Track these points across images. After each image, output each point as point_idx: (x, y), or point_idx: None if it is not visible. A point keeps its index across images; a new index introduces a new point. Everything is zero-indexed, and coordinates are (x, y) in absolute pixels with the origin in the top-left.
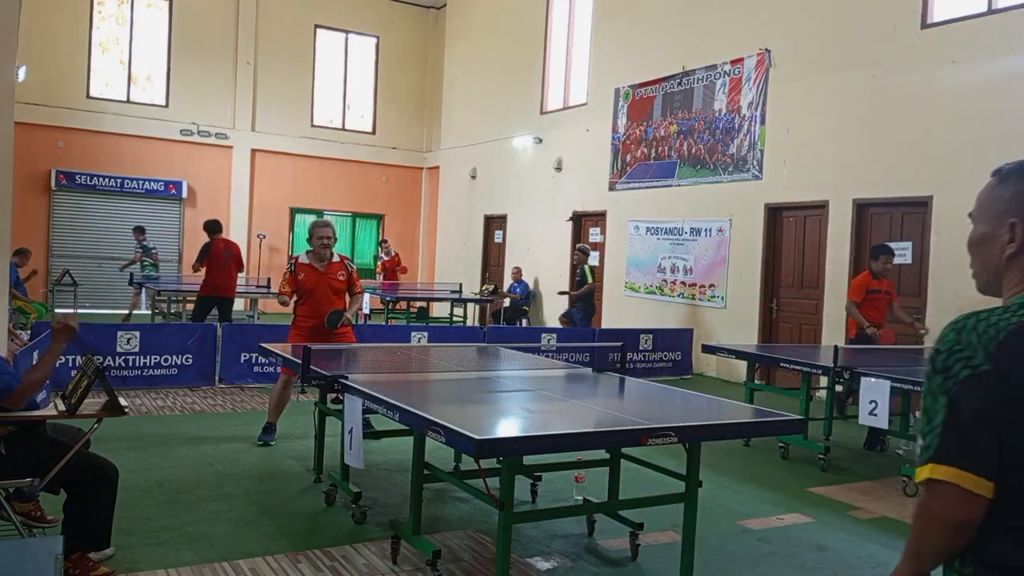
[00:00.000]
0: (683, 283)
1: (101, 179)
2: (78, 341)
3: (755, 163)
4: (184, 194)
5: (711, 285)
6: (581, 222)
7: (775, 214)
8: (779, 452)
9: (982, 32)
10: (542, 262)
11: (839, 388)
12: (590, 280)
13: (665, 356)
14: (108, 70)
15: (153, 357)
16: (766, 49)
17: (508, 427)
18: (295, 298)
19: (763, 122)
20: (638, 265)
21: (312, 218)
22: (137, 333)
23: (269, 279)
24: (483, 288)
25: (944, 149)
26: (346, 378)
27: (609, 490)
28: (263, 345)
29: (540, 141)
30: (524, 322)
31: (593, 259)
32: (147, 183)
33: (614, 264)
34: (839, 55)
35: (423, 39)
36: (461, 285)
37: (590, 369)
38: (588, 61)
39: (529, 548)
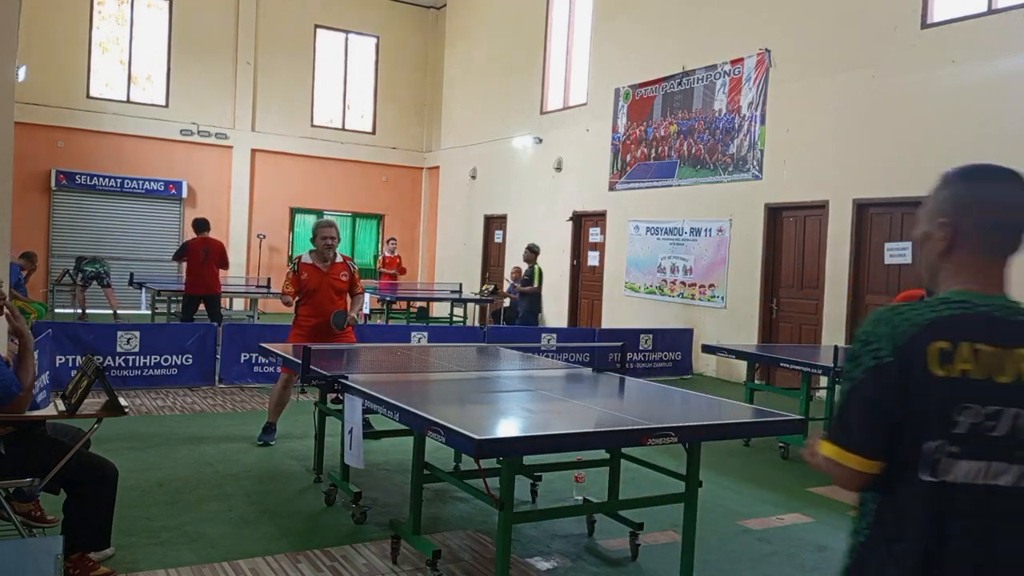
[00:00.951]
0: (683, 283)
1: (101, 179)
2: (78, 341)
3: (755, 163)
4: (184, 194)
5: (711, 285)
6: (581, 222)
7: (775, 214)
8: (779, 452)
9: (982, 32)
10: (542, 262)
11: None
12: (535, 283)
13: (665, 356)
14: (108, 70)
15: (153, 357)
16: (766, 49)
17: (508, 427)
18: (297, 298)
19: (763, 122)
20: (638, 265)
21: (312, 218)
22: (137, 333)
23: (269, 279)
24: (483, 288)
25: (944, 149)
26: (346, 378)
27: (609, 490)
28: (263, 345)
29: (540, 141)
30: None
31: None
32: (147, 183)
33: (614, 264)
34: (839, 55)
35: (423, 39)
36: (461, 285)
37: (590, 369)
38: (588, 61)
39: (529, 548)
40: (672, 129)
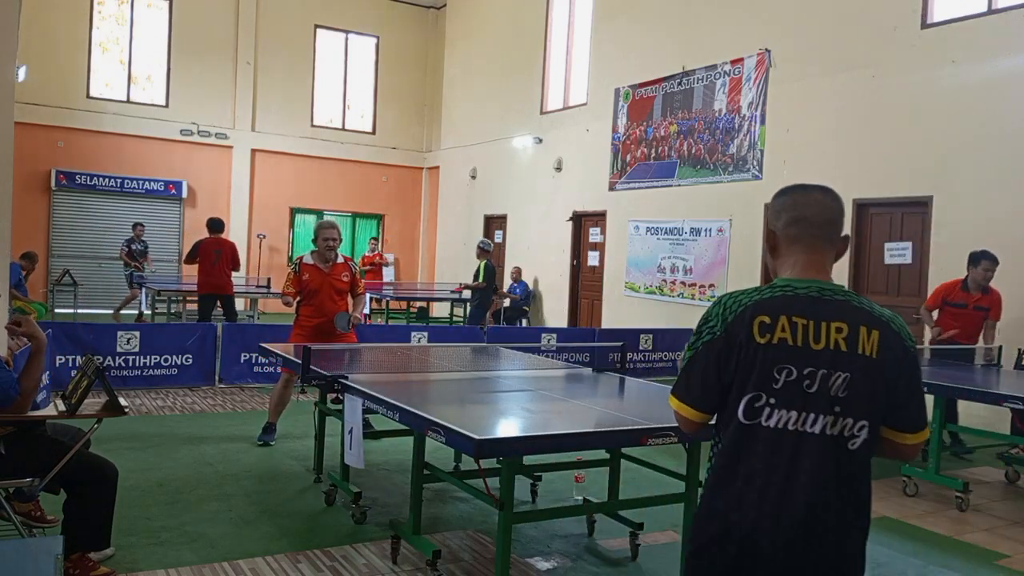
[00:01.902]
0: (683, 283)
1: (101, 179)
2: (78, 341)
3: (755, 163)
4: (184, 194)
5: (711, 285)
6: (581, 222)
7: None
8: None
9: (982, 32)
10: (542, 262)
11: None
12: (481, 279)
13: (665, 356)
14: (108, 70)
15: (153, 357)
16: (766, 49)
17: (508, 427)
18: (299, 299)
19: (763, 122)
20: (638, 265)
21: (313, 218)
22: (137, 333)
23: (269, 279)
24: None
25: (944, 149)
26: (346, 378)
27: (609, 490)
28: (263, 345)
29: (540, 141)
30: (524, 322)
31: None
32: (147, 183)
33: (614, 264)
34: (839, 55)
35: (423, 39)
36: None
37: (590, 369)
38: (588, 61)
39: (529, 548)
40: (672, 129)
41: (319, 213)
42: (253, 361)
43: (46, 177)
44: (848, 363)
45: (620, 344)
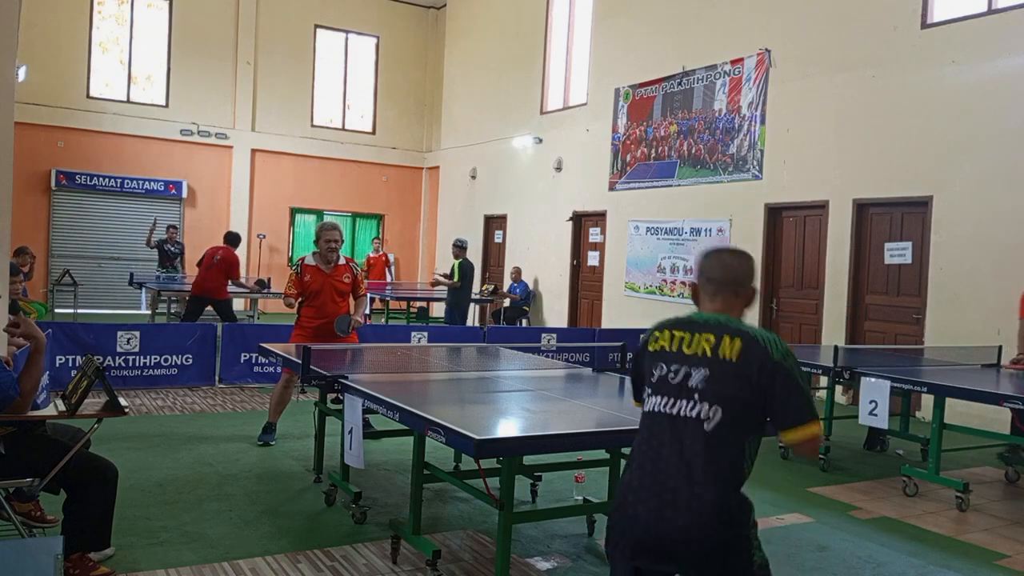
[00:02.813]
0: (683, 283)
1: (101, 179)
2: (78, 341)
3: (755, 163)
4: (184, 194)
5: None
6: (581, 222)
7: (775, 214)
8: (779, 452)
9: (982, 32)
10: (542, 262)
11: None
12: (456, 278)
13: None
14: (108, 70)
15: (153, 357)
16: (766, 49)
17: (508, 427)
18: (301, 299)
19: (763, 122)
20: (638, 265)
21: (313, 218)
22: (137, 333)
23: (269, 279)
24: (483, 288)
25: (944, 149)
26: (346, 378)
27: (609, 490)
28: (263, 345)
29: (540, 141)
30: (524, 322)
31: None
32: (147, 183)
33: (614, 264)
34: (839, 55)
35: (423, 39)
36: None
37: (590, 369)
38: (588, 61)
39: (529, 548)
40: (672, 129)
41: (319, 213)
42: (253, 361)
43: (46, 177)
44: (710, 363)
45: (620, 344)
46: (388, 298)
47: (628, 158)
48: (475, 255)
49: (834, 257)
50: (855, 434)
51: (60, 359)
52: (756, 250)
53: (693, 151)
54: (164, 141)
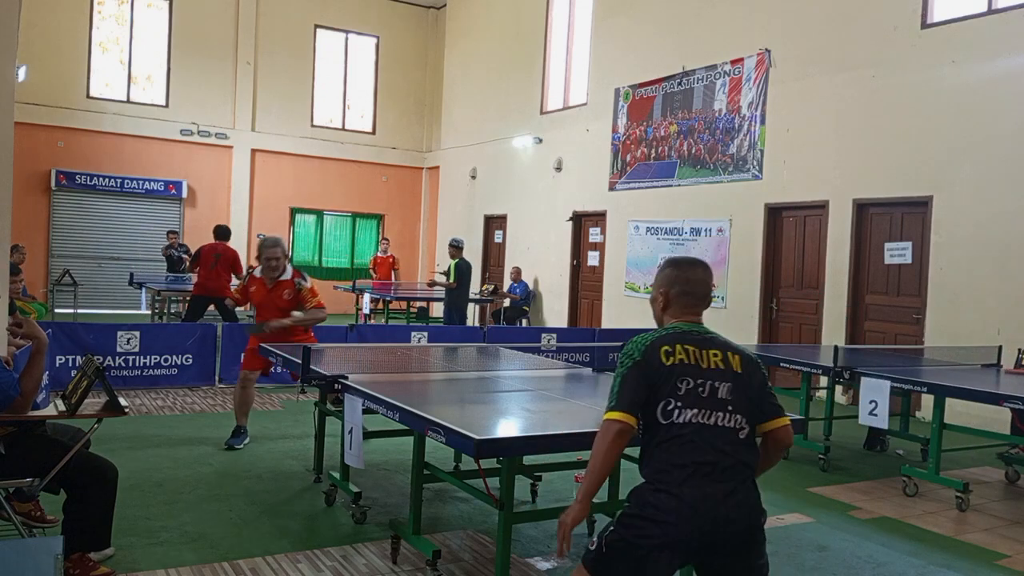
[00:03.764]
0: None
1: (101, 179)
2: (78, 341)
3: (755, 163)
4: (184, 194)
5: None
6: (581, 222)
7: (775, 214)
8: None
9: (982, 32)
10: (542, 262)
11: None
12: (451, 279)
13: None
14: (108, 70)
15: (153, 357)
16: (766, 49)
17: (508, 427)
18: (240, 305)
19: (763, 122)
20: (638, 265)
21: (313, 218)
22: (137, 333)
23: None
24: (483, 288)
25: (944, 149)
26: (346, 378)
27: (609, 490)
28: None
29: (540, 141)
30: (524, 322)
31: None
32: (147, 183)
33: (614, 264)
34: (839, 55)
35: (423, 39)
36: None
37: (590, 369)
38: (588, 61)
39: (529, 548)
40: (672, 129)
41: (319, 213)
42: None
43: (46, 177)
44: (729, 377)
45: (620, 344)
46: (388, 298)
47: (628, 158)
48: (475, 255)
49: (834, 257)
50: (855, 434)
51: (60, 359)
52: (756, 250)
53: (693, 151)
54: (164, 141)
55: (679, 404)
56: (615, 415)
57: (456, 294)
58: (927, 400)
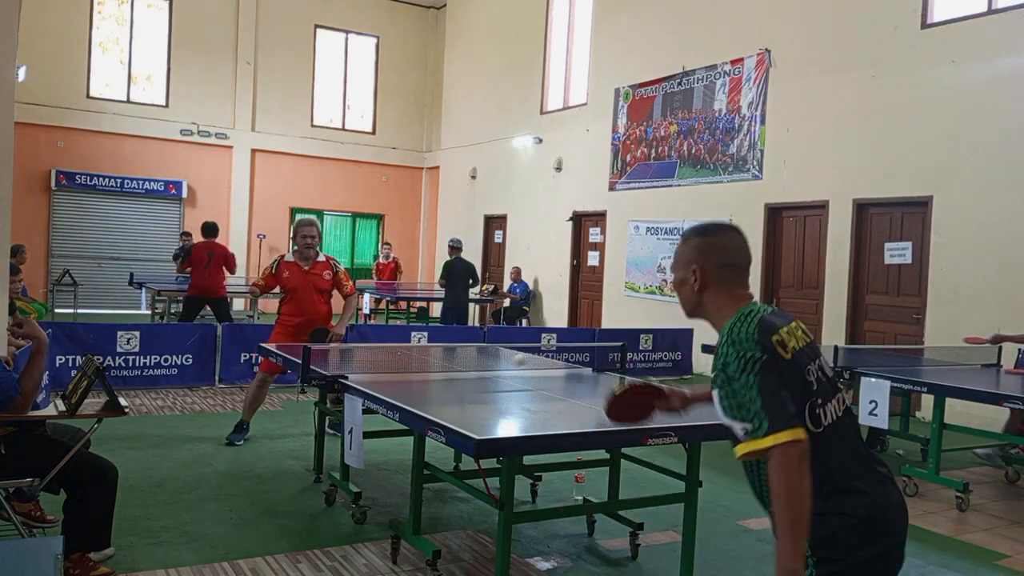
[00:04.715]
0: None
1: (101, 179)
2: (78, 341)
3: (755, 163)
4: (184, 194)
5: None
6: (581, 222)
7: (775, 214)
8: None
9: (982, 32)
10: (542, 262)
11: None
12: (440, 277)
13: (665, 356)
14: (108, 70)
15: (153, 357)
16: (766, 49)
17: (508, 427)
18: (265, 293)
19: (763, 122)
20: (638, 265)
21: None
22: (137, 333)
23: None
24: (483, 288)
25: (944, 149)
26: (346, 378)
27: (609, 490)
28: (263, 345)
29: (540, 141)
30: (524, 322)
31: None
32: (147, 183)
33: (614, 264)
34: (839, 55)
35: (423, 39)
36: None
37: (590, 369)
38: (588, 61)
39: (529, 548)
40: (672, 129)
41: (319, 213)
42: (253, 361)
43: (46, 177)
44: (816, 351)
45: (620, 344)
46: (390, 298)
47: (628, 158)
48: (475, 255)
49: (834, 257)
50: None
51: (60, 359)
52: (756, 250)
53: (693, 151)
54: (164, 141)
55: (819, 401)
56: (787, 435)
57: (447, 294)
58: (927, 400)
